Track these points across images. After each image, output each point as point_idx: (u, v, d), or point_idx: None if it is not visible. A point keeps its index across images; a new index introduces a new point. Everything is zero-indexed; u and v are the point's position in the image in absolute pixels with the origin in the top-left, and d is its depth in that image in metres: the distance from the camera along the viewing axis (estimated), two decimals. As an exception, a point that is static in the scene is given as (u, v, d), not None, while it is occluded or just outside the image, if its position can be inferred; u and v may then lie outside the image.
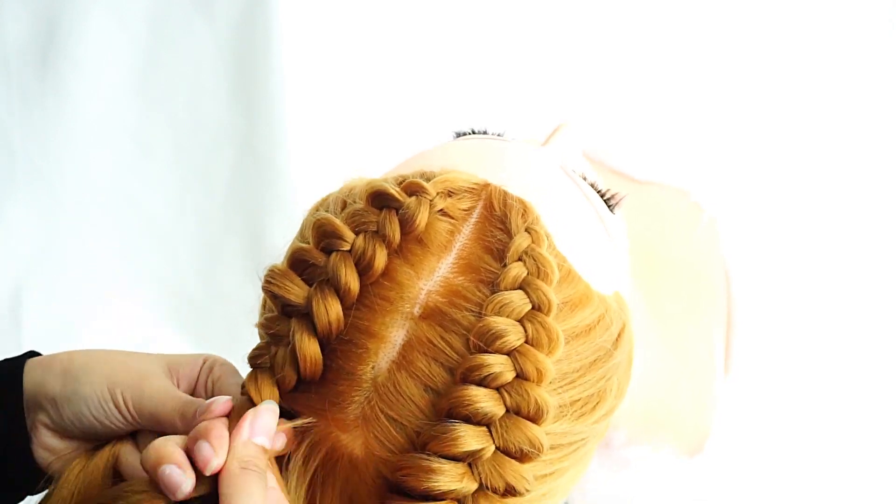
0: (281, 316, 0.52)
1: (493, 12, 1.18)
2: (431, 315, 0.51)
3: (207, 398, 0.59)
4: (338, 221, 0.52)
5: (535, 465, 0.50)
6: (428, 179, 0.55)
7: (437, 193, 0.54)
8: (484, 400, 0.48)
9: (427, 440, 0.48)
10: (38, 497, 0.60)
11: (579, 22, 1.17)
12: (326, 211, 0.56)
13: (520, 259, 0.52)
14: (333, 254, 0.51)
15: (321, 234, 0.52)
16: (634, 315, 0.61)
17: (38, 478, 0.59)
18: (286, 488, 0.50)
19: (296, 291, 0.51)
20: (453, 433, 0.47)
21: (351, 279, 0.50)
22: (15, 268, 1.18)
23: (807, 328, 1.02)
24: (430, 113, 1.15)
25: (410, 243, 0.53)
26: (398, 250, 0.52)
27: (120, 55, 1.20)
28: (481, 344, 0.49)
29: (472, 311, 0.51)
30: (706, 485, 0.96)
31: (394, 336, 0.51)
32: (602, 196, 0.64)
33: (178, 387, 0.60)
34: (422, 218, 0.52)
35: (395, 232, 0.51)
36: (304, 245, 0.53)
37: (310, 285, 0.51)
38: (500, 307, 0.50)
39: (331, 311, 0.50)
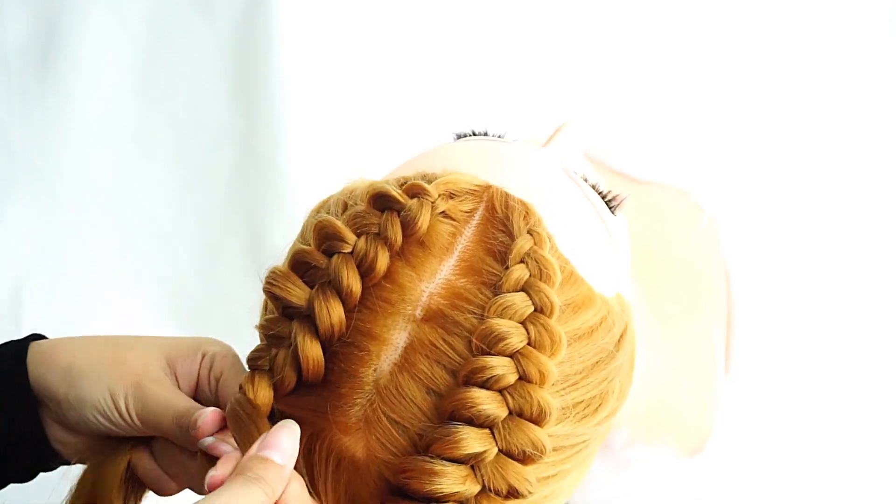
0: (282, 318, 0.52)
1: (494, 13, 1.17)
2: (433, 317, 0.51)
3: (213, 396, 0.59)
4: (339, 223, 0.52)
5: (537, 467, 0.50)
6: (429, 181, 0.55)
7: (439, 195, 0.54)
8: (486, 402, 0.48)
9: (429, 442, 0.48)
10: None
11: (580, 23, 1.17)
12: (327, 213, 0.56)
13: (522, 261, 0.52)
14: (335, 256, 0.51)
15: (322, 236, 0.52)
16: (635, 315, 0.61)
17: (50, 457, 0.60)
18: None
19: (297, 293, 0.51)
20: (456, 435, 0.47)
21: (353, 281, 0.50)
22: (15, 268, 1.18)
23: (807, 328, 1.02)
24: (431, 114, 1.15)
25: (412, 245, 0.52)
26: (400, 252, 0.52)
27: (120, 55, 1.20)
28: (484, 346, 0.49)
29: (475, 314, 0.51)
30: (706, 485, 0.96)
31: (396, 338, 0.51)
32: (603, 197, 0.64)
33: (179, 384, 0.60)
34: (423, 220, 0.52)
35: (396, 234, 0.51)
36: (305, 247, 0.53)
37: (311, 287, 0.51)
38: (503, 309, 0.50)
39: (333, 313, 0.50)
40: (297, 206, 1.14)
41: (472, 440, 0.47)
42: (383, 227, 0.52)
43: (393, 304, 0.51)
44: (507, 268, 0.52)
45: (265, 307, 0.56)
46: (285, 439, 0.48)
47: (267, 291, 0.52)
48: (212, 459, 0.51)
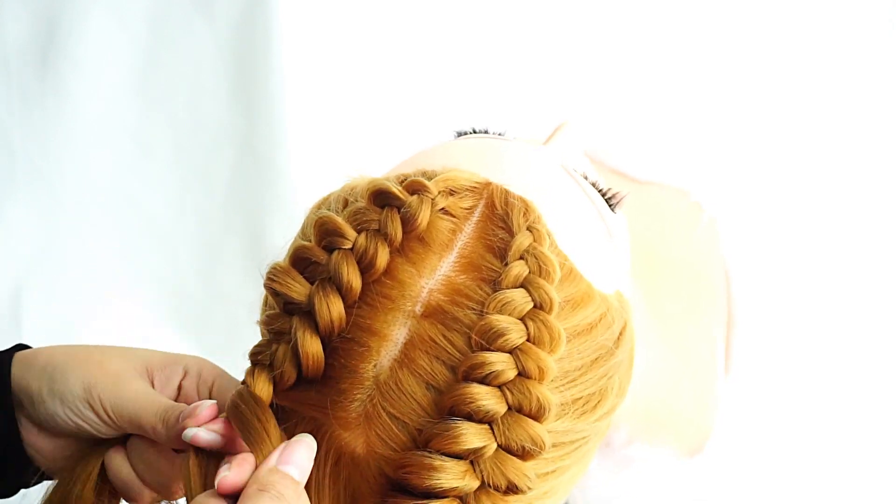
0: (282, 313, 0.52)
1: (494, 12, 1.18)
2: (433, 313, 0.51)
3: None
4: (340, 219, 0.52)
5: (536, 463, 0.50)
6: (429, 178, 0.55)
7: (439, 192, 0.54)
8: (486, 398, 0.48)
9: (429, 438, 0.48)
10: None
11: (580, 22, 1.17)
12: (328, 209, 0.57)
13: (521, 257, 0.52)
14: (335, 252, 0.51)
15: (323, 232, 0.52)
16: (635, 315, 0.61)
17: (25, 463, 0.60)
18: None
19: (297, 289, 0.51)
20: (455, 431, 0.47)
21: (353, 277, 0.50)
22: (15, 268, 1.18)
23: (807, 328, 1.02)
24: (431, 112, 1.15)
25: (412, 242, 0.53)
26: (400, 249, 0.52)
27: (120, 55, 1.20)
28: (483, 342, 0.49)
29: (474, 310, 0.51)
30: (706, 485, 0.96)
31: (396, 334, 0.51)
32: (603, 195, 0.64)
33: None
34: (423, 216, 0.52)
35: (396, 230, 0.51)
36: (305, 243, 0.53)
37: (311, 283, 0.51)
38: (502, 305, 0.50)
39: (333, 309, 0.50)
40: (297, 206, 1.15)
41: (472, 435, 0.47)
42: (383, 223, 0.52)
43: (393, 300, 0.51)
44: (506, 264, 0.52)
45: (266, 303, 0.56)
46: (304, 454, 0.48)
47: (268, 287, 0.52)
48: (201, 461, 0.50)
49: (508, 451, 0.48)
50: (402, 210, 0.52)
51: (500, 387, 0.48)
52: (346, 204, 0.56)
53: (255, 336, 0.55)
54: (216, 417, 0.52)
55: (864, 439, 1.01)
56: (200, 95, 1.20)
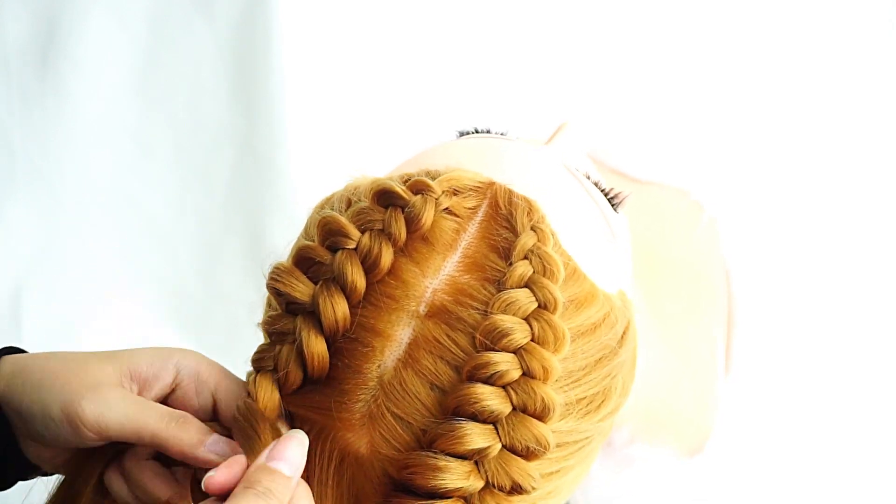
0: (285, 314, 0.52)
1: (495, 12, 1.18)
2: (437, 313, 0.51)
3: (208, 408, 0.57)
4: (343, 219, 0.52)
5: (541, 463, 0.50)
6: (433, 178, 0.55)
7: (443, 192, 0.54)
8: (490, 398, 0.48)
9: (433, 438, 0.48)
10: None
11: (581, 22, 1.17)
12: (331, 209, 0.56)
13: (525, 257, 0.52)
14: (339, 252, 0.51)
15: (327, 232, 0.52)
16: (635, 315, 0.61)
17: (30, 469, 0.58)
18: None
19: (301, 289, 0.51)
20: (460, 431, 0.47)
21: (357, 277, 0.50)
22: (15, 268, 1.18)
23: (807, 327, 1.02)
24: (432, 112, 1.15)
25: (416, 242, 0.53)
26: (404, 249, 0.52)
27: (120, 55, 1.20)
28: (487, 342, 0.49)
29: (478, 310, 0.51)
30: (706, 485, 0.96)
31: (400, 334, 0.51)
32: (606, 195, 0.64)
33: (143, 395, 0.56)
34: (427, 216, 0.52)
35: (400, 230, 0.51)
36: (309, 243, 0.53)
37: (315, 283, 0.51)
38: (507, 305, 0.50)
39: (337, 309, 0.50)
40: (297, 206, 1.14)
41: (476, 436, 0.47)
42: (387, 223, 0.52)
43: (397, 300, 0.51)
44: (510, 264, 0.52)
45: (268, 304, 0.56)
46: (295, 450, 0.48)
47: (270, 287, 0.52)
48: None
49: (513, 451, 0.48)
50: (405, 210, 0.52)
51: (504, 387, 0.48)
52: (349, 204, 0.56)
53: (255, 336, 0.55)
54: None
55: (864, 439, 1.01)
56: (200, 95, 1.20)
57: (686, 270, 0.97)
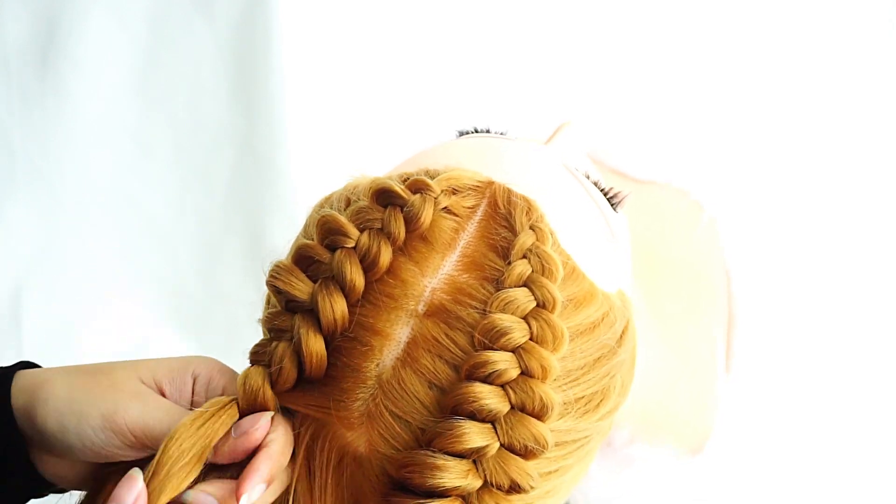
0: (284, 311, 0.52)
1: (495, 11, 1.18)
2: (436, 312, 0.51)
3: None
4: (342, 218, 0.52)
5: (539, 462, 0.50)
6: (432, 177, 0.55)
7: (442, 191, 0.54)
8: (489, 397, 0.48)
9: (432, 437, 0.48)
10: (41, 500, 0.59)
11: (581, 22, 1.17)
12: (331, 208, 0.56)
13: (524, 256, 0.52)
14: (338, 251, 0.51)
15: (326, 231, 0.52)
16: (635, 314, 0.61)
17: (40, 485, 0.58)
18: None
19: (300, 287, 0.51)
20: (458, 430, 0.47)
21: (356, 276, 0.50)
22: (15, 268, 1.18)
23: (807, 327, 1.02)
24: (432, 112, 1.15)
25: (415, 241, 0.53)
26: (403, 248, 0.52)
27: (120, 55, 1.20)
28: (486, 341, 0.49)
29: (477, 309, 0.51)
30: (706, 485, 0.96)
31: (398, 333, 0.51)
32: (605, 194, 0.64)
33: None
34: (426, 215, 0.52)
35: (399, 229, 0.51)
36: (308, 241, 0.53)
37: (314, 282, 0.51)
38: (505, 304, 0.50)
39: (336, 307, 0.50)
40: (297, 206, 1.15)
41: (475, 434, 0.47)
42: (386, 222, 0.52)
43: (395, 298, 0.51)
44: (509, 263, 0.52)
45: (268, 300, 0.56)
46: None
47: (270, 285, 0.52)
48: None
49: (511, 450, 0.48)
50: (404, 209, 0.52)
51: (502, 386, 0.48)
52: (348, 203, 0.56)
53: (255, 336, 0.55)
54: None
55: (864, 439, 1.01)
56: (200, 95, 1.20)
57: (686, 270, 0.97)
